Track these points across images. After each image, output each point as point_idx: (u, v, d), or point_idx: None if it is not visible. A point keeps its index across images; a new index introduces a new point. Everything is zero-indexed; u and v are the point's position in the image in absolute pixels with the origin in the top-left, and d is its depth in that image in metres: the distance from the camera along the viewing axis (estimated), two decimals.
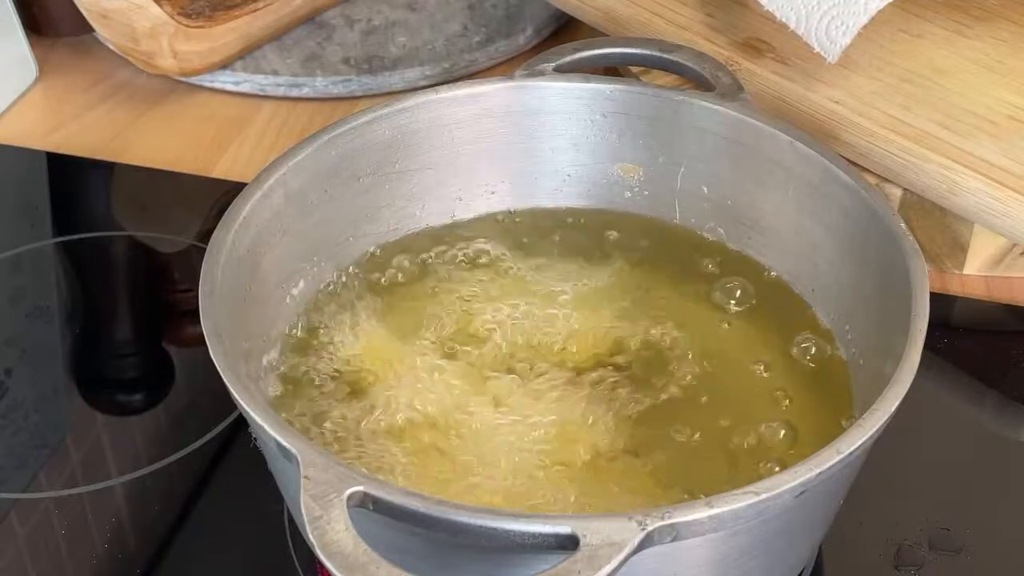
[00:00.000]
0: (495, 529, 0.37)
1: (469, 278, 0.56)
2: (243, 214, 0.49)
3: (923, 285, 0.46)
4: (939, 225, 0.64)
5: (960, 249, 0.65)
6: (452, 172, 0.58)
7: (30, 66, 0.82)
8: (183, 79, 0.80)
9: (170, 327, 0.66)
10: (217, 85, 0.81)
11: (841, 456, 0.40)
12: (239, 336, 0.47)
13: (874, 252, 0.49)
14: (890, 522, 0.52)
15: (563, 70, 0.58)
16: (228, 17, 0.79)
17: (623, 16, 0.72)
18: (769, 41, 0.69)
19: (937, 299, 0.47)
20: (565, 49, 0.59)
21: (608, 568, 0.36)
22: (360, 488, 0.38)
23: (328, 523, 0.37)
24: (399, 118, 0.55)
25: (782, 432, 0.49)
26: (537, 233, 0.58)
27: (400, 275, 0.56)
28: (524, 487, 0.46)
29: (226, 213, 0.49)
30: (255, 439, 0.44)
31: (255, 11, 0.80)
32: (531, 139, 0.58)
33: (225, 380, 0.42)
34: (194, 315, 0.45)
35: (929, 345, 0.44)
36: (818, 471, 0.39)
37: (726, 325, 0.54)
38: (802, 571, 0.50)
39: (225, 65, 0.80)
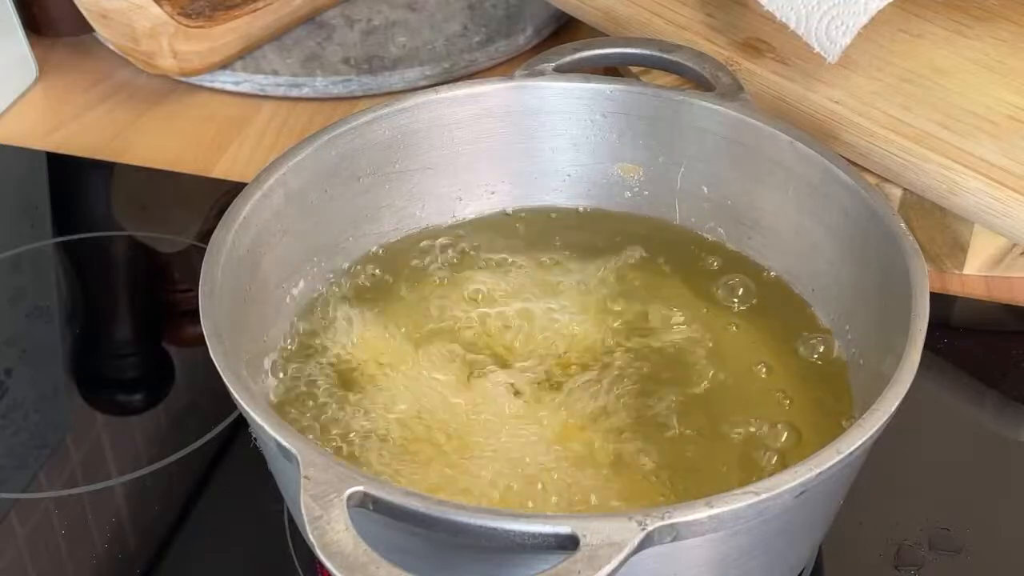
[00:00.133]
0: (495, 529, 0.37)
1: (469, 278, 0.56)
2: (243, 214, 0.49)
3: (923, 285, 0.46)
4: (939, 225, 0.64)
5: (960, 249, 0.65)
6: (452, 172, 0.58)
7: (30, 66, 0.82)
8: (183, 79, 0.80)
9: (170, 327, 0.66)
10: (217, 85, 0.81)
11: (841, 456, 0.40)
12: (239, 336, 0.47)
13: (874, 252, 0.49)
14: (890, 522, 0.52)
15: (563, 70, 0.58)
16: (228, 17, 0.79)
17: (623, 16, 0.72)
18: (769, 41, 0.68)
19: (937, 299, 0.47)
20: (565, 49, 0.59)
21: (608, 568, 0.36)
22: (360, 488, 0.38)
23: (328, 523, 0.37)
24: (399, 118, 0.55)
25: (782, 432, 0.49)
26: (537, 233, 0.58)
27: (400, 275, 0.56)
28: (524, 487, 0.46)
29: (226, 213, 0.49)
30: (255, 439, 0.44)
31: (255, 11, 0.80)
32: (531, 139, 0.58)
33: (225, 380, 0.42)
34: (194, 315, 0.45)
35: (929, 345, 0.44)
36: (818, 471, 0.39)
37: (728, 325, 0.54)
38: (802, 571, 0.50)
39: (225, 65, 0.80)
